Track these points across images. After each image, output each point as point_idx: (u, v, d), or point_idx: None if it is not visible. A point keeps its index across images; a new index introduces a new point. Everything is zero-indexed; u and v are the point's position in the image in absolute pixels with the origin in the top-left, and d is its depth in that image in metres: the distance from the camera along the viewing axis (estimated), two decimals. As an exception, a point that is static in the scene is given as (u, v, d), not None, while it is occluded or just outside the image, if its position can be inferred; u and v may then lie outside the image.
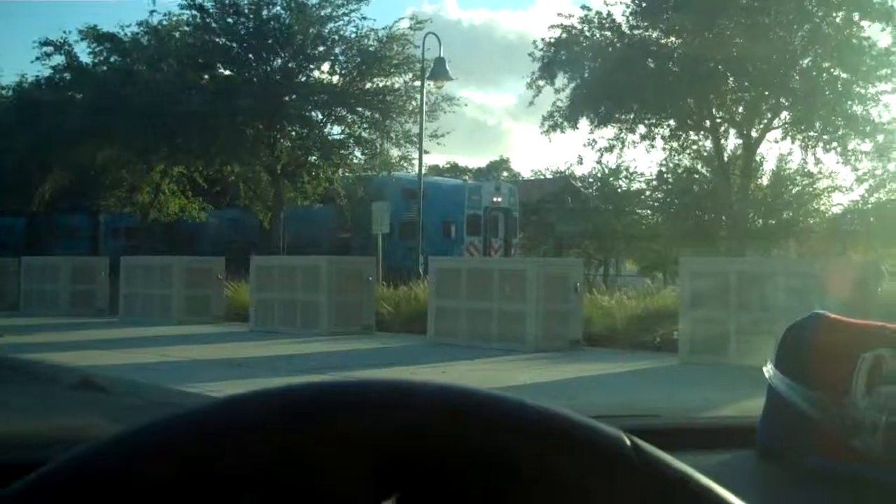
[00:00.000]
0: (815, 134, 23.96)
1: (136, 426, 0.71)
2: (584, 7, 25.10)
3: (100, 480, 0.68)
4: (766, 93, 23.51)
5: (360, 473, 0.70)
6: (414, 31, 26.74)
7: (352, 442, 0.70)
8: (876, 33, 22.38)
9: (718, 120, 24.97)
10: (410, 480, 0.72)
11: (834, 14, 22.64)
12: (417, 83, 26.18)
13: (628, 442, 0.74)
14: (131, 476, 0.68)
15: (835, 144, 23.85)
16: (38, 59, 30.11)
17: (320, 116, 28.52)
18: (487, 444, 0.72)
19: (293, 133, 28.11)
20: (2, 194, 30.90)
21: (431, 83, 25.43)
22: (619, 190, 35.07)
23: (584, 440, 0.73)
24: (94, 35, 29.12)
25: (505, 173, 67.34)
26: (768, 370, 1.44)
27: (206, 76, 27.70)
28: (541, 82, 24.77)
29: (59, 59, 30.27)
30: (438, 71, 24.38)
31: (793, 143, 25.19)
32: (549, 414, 0.74)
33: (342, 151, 28.87)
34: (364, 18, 26.66)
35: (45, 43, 29.80)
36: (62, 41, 29.86)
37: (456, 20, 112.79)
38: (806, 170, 26.97)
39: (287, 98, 26.89)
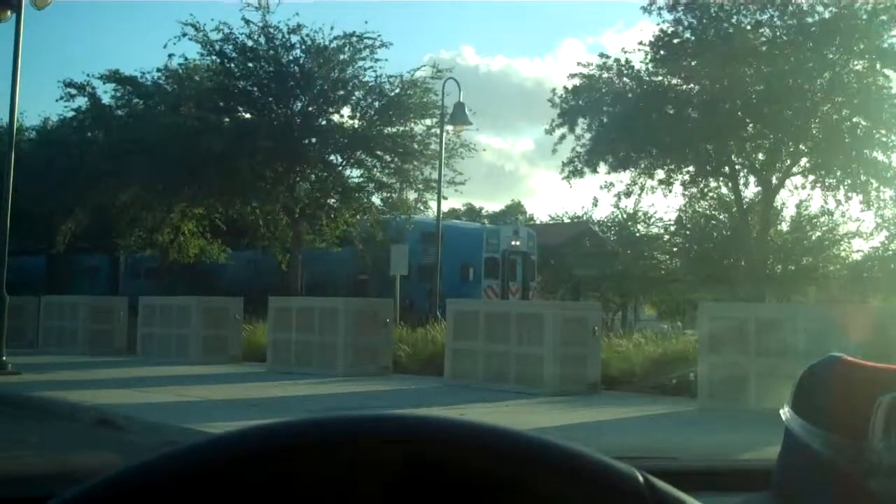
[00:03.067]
0: (835, 181, 23.91)
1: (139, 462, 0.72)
2: (602, 55, 25.18)
3: None
4: (786, 139, 23.50)
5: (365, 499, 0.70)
6: (434, 79, 26.88)
7: (358, 472, 0.71)
8: (897, 81, 22.40)
9: (738, 166, 24.96)
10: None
11: (854, 62, 22.66)
12: (437, 130, 26.30)
13: (641, 478, 0.74)
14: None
15: (857, 191, 23.78)
16: (61, 98, 30.37)
17: (340, 159, 28.65)
18: (504, 476, 0.72)
19: (312, 176, 28.22)
20: (23, 234, 31.13)
21: (451, 128, 25.53)
22: (638, 234, 35.05)
23: (597, 475, 0.73)
24: (116, 78, 29.42)
25: (520, 217, 67.52)
26: (785, 412, 1.43)
27: (227, 118, 27.90)
28: (561, 129, 24.87)
29: (81, 101, 30.58)
30: (458, 116, 24.50)
31: (812, 189, 25.15)
32: (562, 449, 0.74)
33: (361, 195, 28.98)
34: (378, 60, 26.81)
35: (70, 84, 30.12)
36: (86, 83, 30.18)
37: (473, 66, 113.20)
38: (826, 209, 26.88)
39: (307, 141, 27.03)
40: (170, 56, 28.43)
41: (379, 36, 26.71)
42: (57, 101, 31.03)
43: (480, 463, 0.73)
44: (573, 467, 0.73)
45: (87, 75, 30.55)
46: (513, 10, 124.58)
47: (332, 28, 26.58)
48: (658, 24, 23.77)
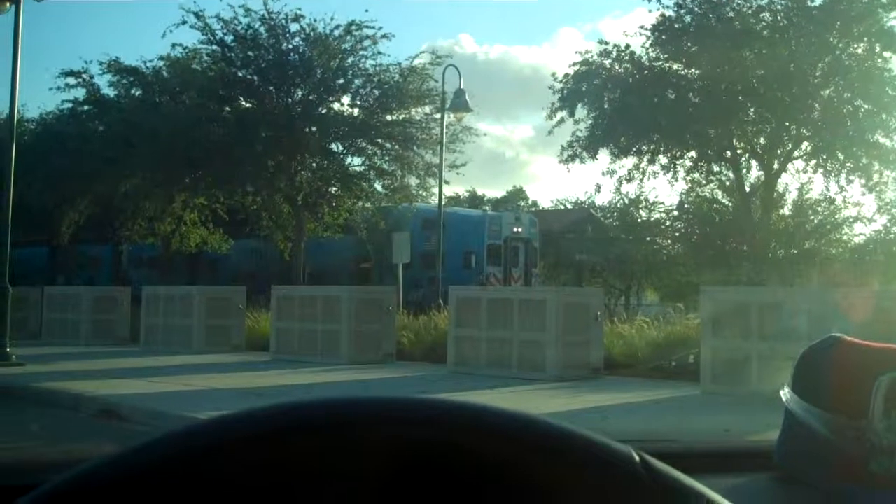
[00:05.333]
0: (837, 164, 23.88)
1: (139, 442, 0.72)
2: (601, 42, 25.11)
3: (102, 494, 0.68)
4: (788, 123, 23.46)
5: (369, 483, 0.70)
6: (434, 66, 26.83)
7: (363, 453, 0.71)
8: (898, 63, 22.34)
9: (739, 150, 24.92)
10: (428, 491, 0.72)
11: (855, 45, 22.61)
12: (437, 115, 26.28)
13: (637, 458, 0.74)
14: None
15: (858, 174, 23.75)
16: (58, 88, 30.16)
17: (340, 148, 28.62)
18: (502, 457, 0.72)
19: (313, 164, 28.20)
20: (24, 225, 31.11)
21: (451, 115, 25.50)
22: (640, 220, 34.99)
23: (592, 455, 0.73)
24: (115, 67, 29.29)
25: (522, 203, 67.49)
26: (785, 393, 1.43)
27: (227, 108, 27.86)
28: (560, 113, 24.79)
29: (80, 91, 30.44)
30: (458, 102, 24.47)
31: (815, 173, 25.12)
32: (556, 428, 0.74)
33: (362, 182, 28.95)
34: (380, 54, 26.78)
35: (66, 74, 29.95)
36: (83, 70, 30.03)
37: (472, 54, 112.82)
38: (827, 195, 26.84)
39: (307, 130, 27.00)
40: (172, 46, 28.34)
41: (380, 27, 26.67)
42: (50, 89, 30.64)
43: (471, 443, 0.72)
44: (568, 447, 0.73)
45: (85, 62, 30.30)
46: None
47: (332, 17, 26.46)
48: (658, 10, 23.69)
